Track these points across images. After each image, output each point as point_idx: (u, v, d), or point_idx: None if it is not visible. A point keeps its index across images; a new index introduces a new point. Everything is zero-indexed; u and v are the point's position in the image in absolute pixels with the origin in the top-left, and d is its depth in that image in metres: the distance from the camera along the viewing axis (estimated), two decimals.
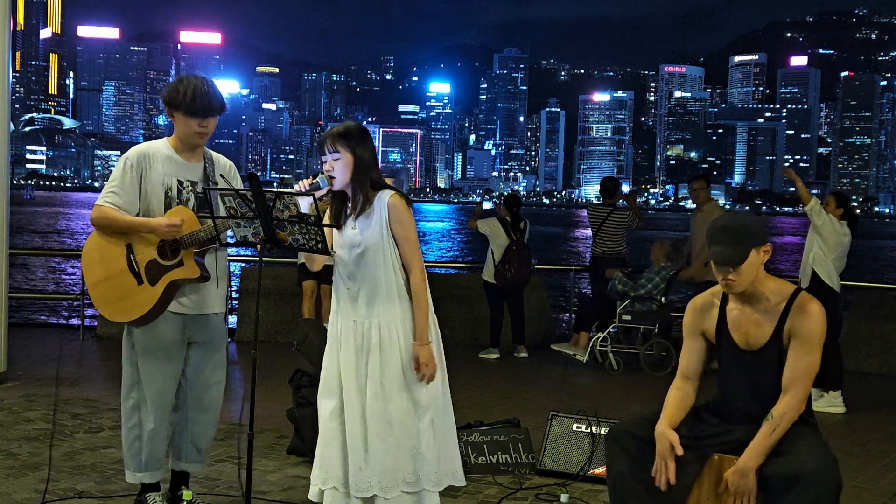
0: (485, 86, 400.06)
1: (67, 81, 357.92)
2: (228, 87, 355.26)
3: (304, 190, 3.57)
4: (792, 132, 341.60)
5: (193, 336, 4.17)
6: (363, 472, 3.55)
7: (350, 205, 3.65)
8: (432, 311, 3.69)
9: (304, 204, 3.54)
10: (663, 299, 8.76)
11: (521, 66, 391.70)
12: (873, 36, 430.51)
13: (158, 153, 4.09)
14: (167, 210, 4.04)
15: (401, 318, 3.60)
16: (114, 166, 3.94)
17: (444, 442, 3.67)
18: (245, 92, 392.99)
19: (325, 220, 3.66)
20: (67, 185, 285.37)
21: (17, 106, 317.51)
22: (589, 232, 10.35)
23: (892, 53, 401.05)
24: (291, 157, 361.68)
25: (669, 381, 3.59)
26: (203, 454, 4.30)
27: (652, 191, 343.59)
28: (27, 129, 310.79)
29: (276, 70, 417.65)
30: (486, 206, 9.79)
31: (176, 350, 4.12)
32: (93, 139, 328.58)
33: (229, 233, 3.99)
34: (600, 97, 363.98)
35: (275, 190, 3.51)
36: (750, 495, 3.24)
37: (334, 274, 3.71)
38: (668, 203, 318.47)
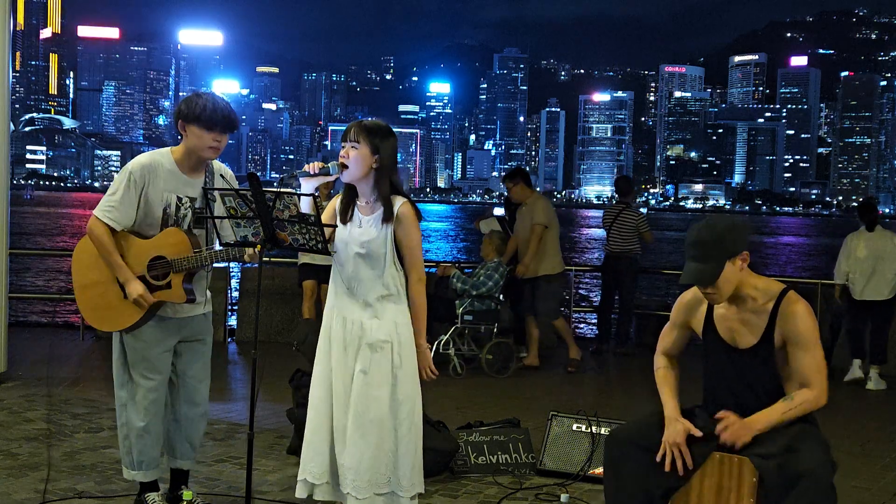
0: (485, 86, 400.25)
1: (67, 81, 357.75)
2: (228, 87, 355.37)
3: (314, 172, 3.59)
4: (792, 132, 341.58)
5: (183, 335, 4.20)
6: (342, 469, 3.58)
7: (360, 202, 3.65)
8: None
9: (308, 186, 3.59)
10: (502, 297, 8.42)
11: (521, 66, 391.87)
12: (873, 36, 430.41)
13: (161, 167, 4.05)
14: (163, 226, 4.06)
15: (394, 322, 3.61)
16: (114, 167, 4.07)
17: (420, 449, 3.69)
18: (245, 92, 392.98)
19: (327, 217, 3.70)
20: (67, 185, 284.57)
21: (17, 106, 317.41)
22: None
23: (892, 53, 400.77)
24: (291, 157, 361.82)
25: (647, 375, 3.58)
26: (196, 449, 4.33)
27: (652, 191, 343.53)
28: (27, 129, 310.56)
29: (276, 70, 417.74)
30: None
31: (165, 352, 4.14)
32: (93, 139, 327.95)
33: (224, 238, 4.09)
34: (600, 97, 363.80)
35: (275, 190, 3.51)
36: (737, 444, 3.26)
37: (333, 269, 3.72)
38: (668, 203, 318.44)
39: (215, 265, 4.19)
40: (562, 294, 8.88)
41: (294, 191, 3.55)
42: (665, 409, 3.45)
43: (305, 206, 3.51)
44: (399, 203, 3.60)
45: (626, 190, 9.87)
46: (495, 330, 8.36)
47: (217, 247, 4.11)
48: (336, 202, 3.73)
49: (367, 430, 3.55)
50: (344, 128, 3.68)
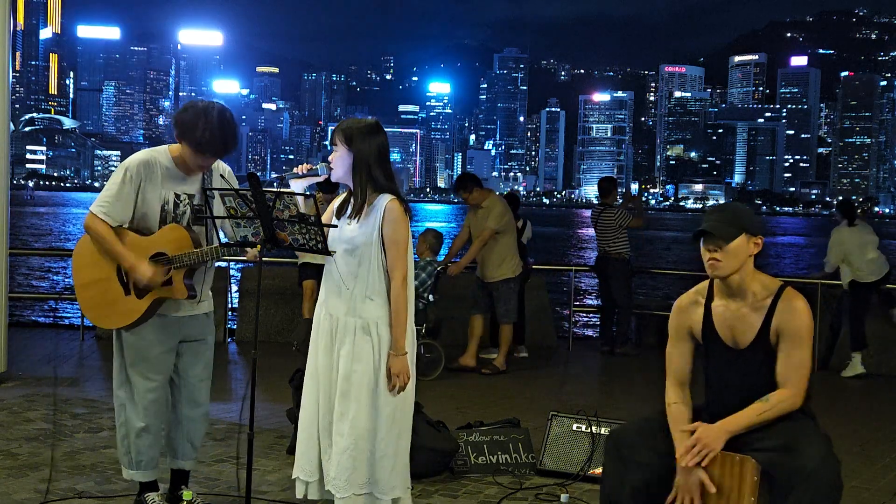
0: (485, 86, 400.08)
1: (67, 81, 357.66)
2: (228, 87, 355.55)
3: (302, 174, 3.66)
4: (792, 132, 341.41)
5: (185, 335, 4.17)
6: (325, 466, 3.63)
7: (353, 201, 3.69)
8: (411, 321, 3.69)
9: (298, 187, 3.65)
10: (431, 297, 8.08)
11: (521, 65, 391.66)
12: (873, 36, 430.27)
13: (159, 164, 4.01)
14: (162, 223, 4.02)
15: (379, 321, 3.61)
16: (113, 167, 3.95)
17: (403, 451, 3.67)
18: (245, 92, 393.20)
19: (327, 218, 3.74)
20: (67, 185, 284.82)
21: (17, 106, 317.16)
22: (588, 232, 10.46)
23: (892, 53, 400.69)
24: (291, 157, 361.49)
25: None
26: (197, 449, 4.32)
27: (652, 191, 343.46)
28: (27, 129, 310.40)
29: (276, 70, 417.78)
30: None
31: (166, 352, 4.10)
32: (93, 139, 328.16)
33: (223, 237, 4.05)
34: (600, 97, 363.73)
35: (275, 190, 3.52)
36: (708, 456, 3.22)
37: (325, 266, 3.75)
38: (668, 203, 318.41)
39: (217, 264, 4.14)
40: (517, 295, 8.72)
41: (294, 191, 3.58)
42: (677, 453, 3.32)
43: (298, 188, 3.63)
44: (386, 199, 3.61)
45: (606, 191, 9.87)
46: (423, 331, 7.94)
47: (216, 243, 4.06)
48: (336, 202, 3.78)
49: (346, 430, 3.56)
50: None
